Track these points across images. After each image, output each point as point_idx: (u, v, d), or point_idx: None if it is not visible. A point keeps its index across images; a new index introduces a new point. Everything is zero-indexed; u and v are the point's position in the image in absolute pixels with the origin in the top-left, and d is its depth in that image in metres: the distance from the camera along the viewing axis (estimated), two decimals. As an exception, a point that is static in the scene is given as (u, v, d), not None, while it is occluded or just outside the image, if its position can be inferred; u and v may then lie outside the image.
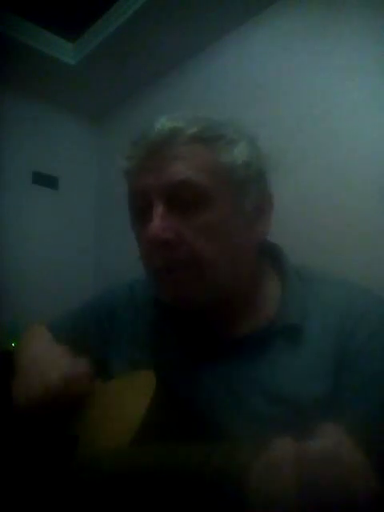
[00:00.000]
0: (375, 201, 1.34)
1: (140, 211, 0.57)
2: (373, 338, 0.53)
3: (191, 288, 0.54)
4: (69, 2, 1.76)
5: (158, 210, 0.53)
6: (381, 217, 1.33)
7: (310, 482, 0.30)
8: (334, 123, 1.47)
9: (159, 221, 0.52)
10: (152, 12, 1.73)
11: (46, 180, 2.37)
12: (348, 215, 1.41)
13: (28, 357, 0.65)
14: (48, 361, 0.60)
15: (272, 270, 0.64)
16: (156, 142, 0.54)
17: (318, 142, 1.51)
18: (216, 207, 0.54)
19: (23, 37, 1.93)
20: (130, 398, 0.55)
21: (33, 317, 0.81)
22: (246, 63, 1.79)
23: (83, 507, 0.47)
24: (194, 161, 0.54)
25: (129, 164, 0.57)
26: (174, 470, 0.39)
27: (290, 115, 1.59)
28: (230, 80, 1.83)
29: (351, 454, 0.31)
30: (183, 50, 1.98)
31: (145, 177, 0.55)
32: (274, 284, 0.62)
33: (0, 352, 1.43)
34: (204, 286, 0.54)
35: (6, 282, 2.13)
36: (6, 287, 2.11)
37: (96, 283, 2.42)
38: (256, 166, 0.58)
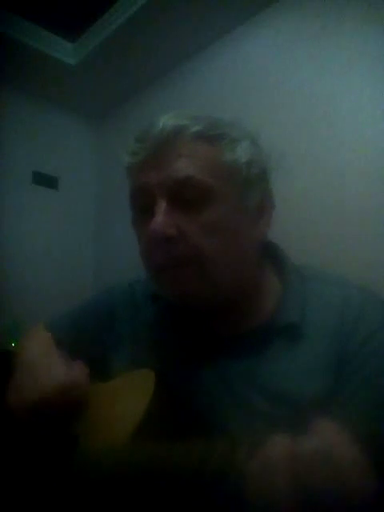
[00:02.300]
0: (375, 201, 1.34)
1: (142, 208, 0.56)
2: (371, 339, 0.53)
3: (193, 285, 0.54)
4: (69, 1, 1.76)
5: (161, 206, 0.53)
6: (381, 217, 1.33)
7: (304, 480, 0.30)
8: (335, 124, 1.47)
9: (162, 217, 0.52)
10: (152, 12, 1.73)
11: (46, 180, 2.37)
12: (348, 216, 1.41)
13: (24, 361, 0.65)
14: (44, 367, 0.61)
15: (272, 268, 0.64)
16: (159, 139, 0.54)
17: (318, 143, 1.51)
18: (219, 205, 0.54)
19: (23, 37, 1.93)
20: (129, 398, 0.55)
21: (33, 317, 0.81)
22: (246, 63, 1.79)
23: (83, 507, 0.47)
24: (198, 158, 0.54)
25: (131, 160, 0.57)
26: (173, 469, 0.39)
27: (290, 116, 1.59)
28: (230, 80, 1.83)
29: (346, 451, 0.31)
30: (183, 50, 1.98)
31: (148, 173, 0.55)
32: (274, 283, 0.62)
33: (0, 352, 1.43)
34: (205, 284, 0.54)
35: (6, 281, 2.13)
36: (6, 287, 2.12)
37: (96, 283, 2.42)
38: (259, 166, 0.58)
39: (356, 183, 1.40)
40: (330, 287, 0.59)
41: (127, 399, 0.55)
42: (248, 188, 0.56)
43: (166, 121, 0.54)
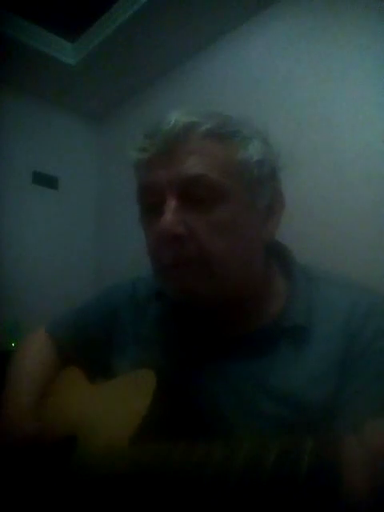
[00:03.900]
0: (375, 201, 1.34)
1: (150, 205, 0.55)
2: (377, 337, 0.52)
3: (200, 285, 0.53)
4: (69, 1, 1.76)
5: (171, 204, 0.52)
6: (380, 217, 1.33)
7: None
8: (335, 125, 1.47)
9: (171, 215, 0.51)
10: (152, 12, 1.73)
11: (46, 180, 2.37)
12: (348, 216, 1.41)
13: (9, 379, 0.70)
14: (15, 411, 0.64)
15: (278, 268, 0.63)
16: (170, 136, 0.53)
17: (318, 144, 1.51)
18: (229, 204, 0.53)
19: (23, 37, 1.93)
20: (129, 398, 0.55)
21: (33, 317, 0.81)
22: (246, 63, 1.79)
23: (83, 507, 0.47)
24: (209, 157, 0.52)
25: (140, 156, 0.56)
26: (173, 469, 0.38)
27: (289, 116, 1.59)
28: (230, 80, 1.83)
29: None
30: (183, 50, 1.98)
31: (157, 171, 0.53)
32: (280, 283, 0.61)
33: (0, 352, 1.43)
34: (213, 284, 0.53)
35: (6, 282, 2.13)
36: (6, 287, 2.12)
37: (96, 283, 2.42)
38: (269, 165, 0.57)
39: (356, 183, 1.40)
40: (336, 289, 0.58)
41: (127, 399, 0.55)
42: (258, 187, 0.55)
43: (178, 117, 0.53)
